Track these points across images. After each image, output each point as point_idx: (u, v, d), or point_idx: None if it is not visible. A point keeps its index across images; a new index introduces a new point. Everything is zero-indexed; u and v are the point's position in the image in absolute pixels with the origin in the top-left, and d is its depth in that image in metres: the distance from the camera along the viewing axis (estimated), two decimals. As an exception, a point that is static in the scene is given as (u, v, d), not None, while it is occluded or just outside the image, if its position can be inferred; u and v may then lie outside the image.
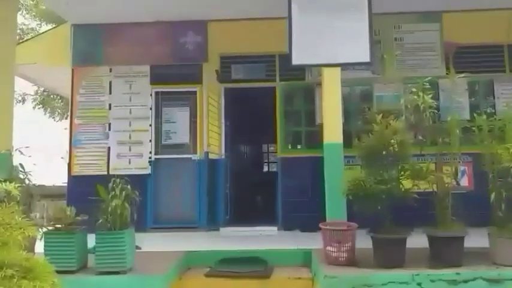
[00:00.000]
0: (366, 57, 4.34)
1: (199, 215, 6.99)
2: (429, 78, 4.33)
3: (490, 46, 7.10)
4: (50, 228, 4.06)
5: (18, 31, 11.85)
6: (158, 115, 7.30)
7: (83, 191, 5.61)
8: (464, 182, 6.44)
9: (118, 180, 3.99)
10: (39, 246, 3.99)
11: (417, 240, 4.03)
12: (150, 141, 7.22)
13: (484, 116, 4.33)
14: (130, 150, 7.20)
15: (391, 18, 7.06)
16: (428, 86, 4.24)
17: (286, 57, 4.40)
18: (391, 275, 3.76)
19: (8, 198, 2.46)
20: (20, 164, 4.54)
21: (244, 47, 7.19)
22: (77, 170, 7.19)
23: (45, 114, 15.64)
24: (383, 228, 4.03)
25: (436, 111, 4.31)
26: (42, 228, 3.96)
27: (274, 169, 9.97)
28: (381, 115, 4.22)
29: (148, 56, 7.31)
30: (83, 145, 7.24)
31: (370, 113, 4.39)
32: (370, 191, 3.98)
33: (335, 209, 4.94)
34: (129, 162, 7.16)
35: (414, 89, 4.27)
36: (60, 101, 15.02)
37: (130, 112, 7.28)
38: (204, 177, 7.06)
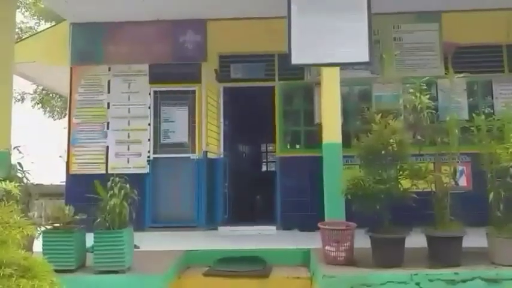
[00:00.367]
0: (365, 57, 4.32)
1: (197, 214, 6.99)
2: (426, 78, 4.33)
3: (489, 46, 7.11)
4: (48, 227, 4.05)
5: (17, 30, 11.82)
6: (157, 114, 7.30)
7: (81, 190, 5.59)
8: (463, 182, 6.45)
9: (117, 179, 3.98)
10: (37, 246, 3.98)
11: (416, 240, 4.03)
12: (149, 140, 7.21)
13: (483, 116, 4.33)
14: (128, 149, 7.20)
15: (390, 18, 7.07)
16: (425, 87, 4.24)
17: (286, 57, 4.39)
18: (390, 274, 3.77)
19: (6, 197, 2.45)
20: (18, 163, 4.53)
21: (243, 46, 7.19)
22: (75, 169, 7.18)
23: (44, 113, 15.62)
24: (382, 228, 4.04)
25: (434, 111, 4.31)
26: (40, 227, 3.95)
27: (273, 168, 9.97)
28: (379, 115, 4.22)
29: (148, 55, 7.30)
30: (81, 144, 7.23)
31: (369, 113, 4.39)
32: (369, 190, 3.98)
33: (334, 208, 4.95)
34: (128, 161, 7.16)
35: (411, 90, 4.27)
36: (59, 100, 15.00)
37: (129, 111, 7.27)
38: (203, 177, 7.06)
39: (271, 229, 6.74)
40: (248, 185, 9.46)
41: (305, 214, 6.38)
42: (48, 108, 15.54)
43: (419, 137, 4.27)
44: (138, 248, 4.63)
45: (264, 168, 11.98)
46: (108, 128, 7.25)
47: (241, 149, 11.40)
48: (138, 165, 7.12)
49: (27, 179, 4.50)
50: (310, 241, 5.07)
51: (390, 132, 4.11)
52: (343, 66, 5.29)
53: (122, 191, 3.94)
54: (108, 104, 7.31)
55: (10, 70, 5.17)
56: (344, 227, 4.42)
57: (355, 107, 7.06)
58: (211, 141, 7.21)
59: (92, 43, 7.37)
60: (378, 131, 4.14)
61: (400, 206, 3.96)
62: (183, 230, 6.63)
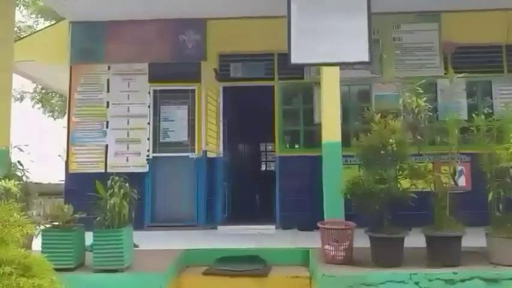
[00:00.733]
0: (365, 57, 4.33)
1: (197, 214, 6.99)
2: (423, 81, 4.33)
3: (488, 46, 7.11)
4: (48, 225, 4.04)
5: (15, 29, 11.81)
6: (156, 113, 7.30)
7: (81, 188, 5.60)
8: (462, 182, 6.46)
9: (116, 178, 3.98)
10: (36, 244, 3.98)
11: (415, 240, 4.03)
12: (148, 139, 7.22)
13: (483, 116, 4.33)
14: (128, 148, 7.19)
15: (390, 18, 7.07)
16: (421, 91, 4.23)
17: (285, 56, 4.40)
18: (389, 274, 3.77)
19: (6, 196, 2.45)
20: (18, 162, 4.52)
21: (243, 45, 7.19)
22: (74, 168, 7.18)
23: (44, 113, 15.61)
24: (381, 228, 4.04)
25: (432, 112, 4.32)
26: (39, 226, 3.95)
27: (272, 168, 9.99)
28: (379, 114, 4.22)
29: (147, 54, 7.30)
30: (80, 143, 7.23)
31: (369, 113, 4.39)
32: (369, 190, 3.97)
33: (333, 208, 4.95)
34: (127, 160, 7.16)
35: (407, 94, 4.27)
36: (59, 99, 15.00)
37: (128, 110, 7.27)
38: (202, 176, 7.07)
39: (270, 228, 6.74)
40: (247, 184, 9.48)
41: (304, 213, 6.39)
42: (48, 108, 15.53)
43: (418, 137, 4.27)
44: (138, 247, 4.63)
45: (263, 168, 11.99)
46: (107, 127, 7.25)
47: (241, 148, 11.41)
48: (138, 164, 7.12)
49: (26, 177, 4.50)
50: (310, 240, 5.07)
51: (390, 132, 4.11)
52: (343, 65, 5.30)
53: (122, 190, 3.93)
54: (108, 102, 7.31)
55: (9, 68, 5.16)
56: (343, 226, 4.43)
57: (355, 106, 7.07)
58: (211, 141, 7.21)
59: (91, 42, 7.36)
60: (378, 130, 4.14)
61: (400, 205, 3.96)
62: (182, 229, 6.63)
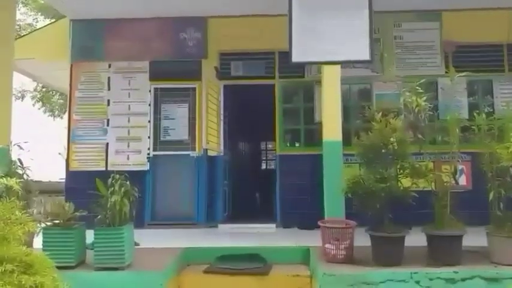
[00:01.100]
0: (366, 55, 4.33)
1: (197, 212, 7.00)
2: (423, 80, 4.32)
3: (489, 45, 7.11)
4: (49, 223, 4.04)
5: (16, 27, 11.79)
6: (157, 111, 7.30)
7: (81, 186, 5.61)
8: (463, 181, 6.46)
9: (117, 176, 3.98)
10: (36, 242, 3.98)
11: (415, 239, 4.03)
12: (149, 137, 7.22)
13: (484, 115, 4.33)
14: (128, 146, 7.19)
15: (391, 17, 7.07)
16: (421, 90, 4.23)
17: (286, 54, 4.39)
18: (390, 272, 3.77)
19: (7, 193, 2.45)
20: (19, 159, 4.52)
21: (243, 43, 7.18)
22: (75, 166, 7.18)
23: (45, 112, 15.61)
24: (382, 227, 4.04)
25: (433, 111, 4.31)
26: (40, 224, 3.94)
27: (272, 166, 9.99)
28: (380, 113, 4.22)
29: (148, 52, 7.30)
30: (81, 141, 7.23)
31: (370, 111, 4.38)
32: (369, 189, 3.97)
33: (334, 206, 4.95)
34: (128, 158, 7.16)
35: (408, 93, 4.26)
36: (59, 97, 15.00)
37: (129, 108, 7.27)
38: (203, 174, 7.07)
39: (271, 227, 6.75)
40: (248, 183, 9.48)
41: (305, 212, 6.38)
42: (48, 106, 15.53)
43: (419, 136, 4.27)
44: (138, 245, 4.63)
45: (263, 166, 11.99)
46: (108, 125, 7.25)
47: (241, 146, 11.42)
48: (138, 162, 7.12)
49: (27, 175, 4.50)
50: (310, 239, 5.07)
51: (391, 130, 4.10)
52: (343, 64, 5.29)
53: (123, 188, 3.93)
54: (108, 101, 7.31)
55: (10, 66, 5.16)
56: (344, 225, 4.43)
57: (356, 105, 7.07)
58: (211, 139, 7.20)
59: (92, 40, 7.36)
60: (379, 129, 4.13)
61: (400, 204, 3.96)
62: (182, 228, 6.63)
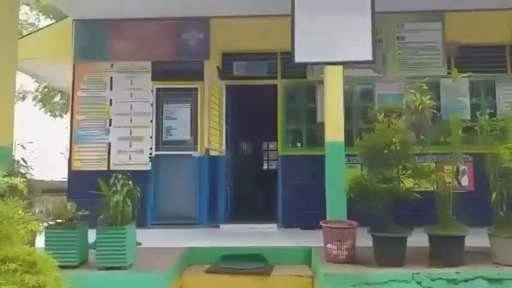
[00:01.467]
0: (368, 56, 4.32)
1: (199, 212, 7.00)
2: (426, 78, 4.32)
3: (492, 46, 7.09)
4: (51, 223, 4.05)
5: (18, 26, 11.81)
6: (159, 111, 7.30)
7: (83, 186, 5.61)
8: (465, 181, 6.45)
9: (119, 175, 3.98)
10: (38, 241, 3.99)
11: (417, 239, 4.03)
12: (151, 137, 7.22)
13: (486, 116, 4.33)
14: (131, 146, 7.20)
15: (393, 17, 7.05)
16: (426, 88, 4.23)
17: (288, 55, 4.40)
18: (392, 273, 3.77)
19: (10, 192, 2.46)
20: (22, 159, 4.53)
21: (246, 44, 7.18)
22: (77, 166, 7.19)
23: (45, 113, 15.64)
24: (384, 227, 4.04)
25: (436, 111, 4.31)
26: (43, 223, 3.95)
27: (274, 167, 9.99)
28: (382, 114, 4.21)
29: (150, 52, 7.30)
30: (83, 140, 7.24)
31: (373, 112, 4.38)
32: (372, 189, 3.97)
33: (335, 207, 4.95)
34: (130, 158, 7.17)
35: (412, 91, 4.27)
36: (60, 97, 15.03)
37: (131, 108, 7.27)
38: (205, 174, 7.07)
39: (272, 227, 6.75)
40: (250, 183, 9.48)
41: (307, 212, 6.37)
42: (48, 107, 15.56)
43: (422, 137, 4.26)
44: (140, 244, 4.64)
45: (265, 167, 11.99)
46: (110, 125, 7.26)
47: (243, 147, 11.41)
48: (140, 162, 7.13)
49: (30, 174, 4.51)
50: (312, 239, 5.07)
51: (393, 131, 4.10)
52: (346, 64, 5.29)
53: (125, 188, 3.93)
54: (111, 100, 7.32)
55: (13, 65, 5.16)
56: (346, 225, 4.43)
57: (358, 105, 7.07)
58: (213, 139, 7.20)
59: (94, 40, 7.37)
60: (381, 130, 4.13)
61: (402, 205, 3.96)
62: (184, 227, 6.64)
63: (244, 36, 7.14)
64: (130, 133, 7.22)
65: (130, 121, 7.25)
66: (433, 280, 3.71)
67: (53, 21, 12.61)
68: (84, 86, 7.36)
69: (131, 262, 4.02)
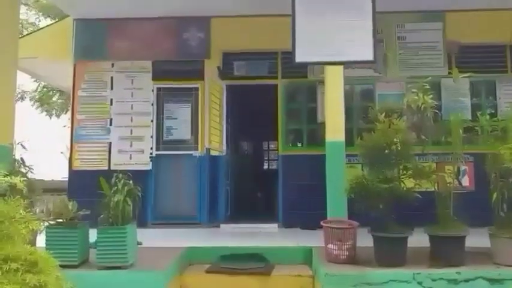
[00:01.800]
0: (369, 56, 4.32)
1: (199, 211, 7.00)
2: (429, 78, 4.32)
3: (492, 46, 7.10)
4: (52, 222, 4.05)
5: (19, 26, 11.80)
6: (160, 111, 7.30)
7: (84, 185, 5.62)
8: (465, 182, 6.45)
9: (120, 175, 3.98)
10: (39, 241, 3.99)
11: (418, 240, 4.03)
12: (152, 137, 7.22)
13: (487, 116, 4.32)
14: (131, 145, 7.20)
15: (394, 17, 7.06)
16: (428, 87, 4.23)
17: (289, 55, 4.40)
18: (392, 273, 3.77)
19: (11, 192, 2.46)
20: (21, 158, 4.53)
21: (246, 43, 7.18)
22: (77, 165, 7.19)
23: (41, 111, 15.64)
24: (384, 227, 4.03)
25: (437, 111, 4.31)
26: (44, 223, 3.95)
27: (274, 167, 9.99)
28: (383, 114, 4.21)
29: (151, 52, 7.30)
30: (84, 140, 7.24)
31: (373, 112, 4.38)
32: (373, 189, 3.97)
33: (336, 207, 4.94)
34: (130, 158, 7.17)
35: (414, 90, 4.26)
36: (58, 97, 15.04)
37: (132, 107, 7.28)
38: (205, 174, 7.07)
39: (273, 227, 6.75)
40: (250, 182, 9.47)
41: (307, 212, 6.37)
42: (45, 107, 15.57)
43: (423, 137, 4.26)
44: (141, 244, 4.64)
45: (266, 166, 11.99)
46: (111, 125, 7.26)
47: (244, 146, 11.41)
48: (141, 161, 7.13)
49: (31, 173, 4.51)
50: (312, 239, 5.07)
51: (394, 131, 4.10)
52: (346, 64, 5.28)
53: (126, 187, 3.93)
54: (111, 100, 7.32)
55: (14, 65, 5.16)
56: (347, 225, 4.43)
57: (358, 105, 7.07)
58: (214, 139, 7.21)
59: (95, 39, 7.37)
60: (382, 130, 4.13)
61: (403, 205, 3.96)
62: (185, 227, 6.64)
63: (245, 35, 7.14)
64: (131, 133, 7.23)
65: (131, 121, 7.25)
66: (433, 280, 3.70)
67: (53, 20, 12.61)
68: (85, 85, 7.36)
69: (132, 262, 4.02)
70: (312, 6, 4.43)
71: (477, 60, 6.95)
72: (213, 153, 7.21)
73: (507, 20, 6.70)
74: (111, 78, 7.36)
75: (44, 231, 3.91)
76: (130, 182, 4.02)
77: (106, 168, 7.04)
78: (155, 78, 7.33)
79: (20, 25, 13.56)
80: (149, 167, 7.13)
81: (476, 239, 4.00)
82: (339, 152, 5.19)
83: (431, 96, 4.21)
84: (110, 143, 7.22)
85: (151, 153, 7.17)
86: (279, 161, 7.50)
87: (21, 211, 1.97)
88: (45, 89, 15.02)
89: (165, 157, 7.18)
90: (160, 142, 7.25)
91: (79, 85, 7.36)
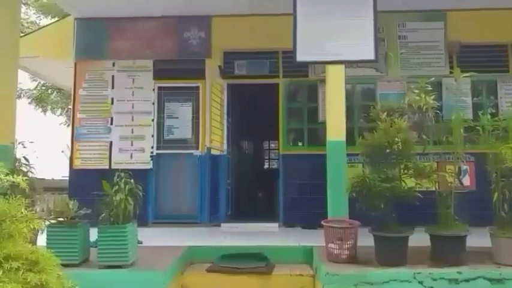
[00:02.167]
0: (370, 55, 4.31)
1: (200, 211, 7.01)
2: (432, 79, 4.32)
3: (493, 45, 7.09)
4: (53, 221, 4.05)
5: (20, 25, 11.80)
6: (161, 110, 7.31)
7: (84, 184, 5.62)
8: (467, 181, 6.45)
9: (122, 174, 3.98)
10: (40, 240, 3.99)
11: (419, 239, 4.02)
12: (152, 136, 7.23)
13: (488, 116, 4.32)
14: (132, 144, 7.21)
15: (395, 16, 7.06)
16: (430, 88, 4.23)
17: (290, 54, 4.39)
18: (393, 273, 3.76)
19: (12, 191, 2.46)
20: (24, 157, 4.53)
21: (247, 42, 7.18)
22: (78, 164, 7.20)
23: (36, 108, 15.65)
24: (385, 227, 4.03)
25: (438, 110, 4.31)
26: (45, 221, 3.95)
27: (275, 166, 9.99)
28: (385, 113, 4.21)
29: (152, 51, 7.31)
30: (85, 139, 7.24)
31: (374, 111, 4.37)
32: (374, 188, 3.97)
33: (337, 206, 4.94)
34: (131, 157, 7.18)
35: (416, 90, 4.26)
36: (56, 94, 15.07)
37: (132, 107, 7.28)
38: (206, 173, 7.07)
39: (273, 226, 6.75)
40: (251, 182, 9.48)
41: (308, 212, 6.37)
42: (42, 105, 15.59)
43: (424, 136, 4.26)
44: (141, 243, 4.64)
45: (266, 166, 12.00)
46: (111, 124, 7.26)
47: (244, 145, 11.42)
48: (142, 160, 7.13)
49: (32, 172, 4.51)
50: (313, 239, 5.07)
51: (396, 130, 4.09)
52: (348, 63, 5.28)
53: (127, 186, 3.93)
54: (112, 99, 7.32)
55: (15, 64, 5.16)
56: (347, 225, 4.42)
57: (359, 105, 7.06)
58: (215, 138, 7.20)
59: (96, 38, 7.38)
60: (384, 129, 4.12)
61: (404, 204, 3.95)
62: (185, 226, 6.64)
63: (246, 35, 7.14)
64: (132, 132, 7.23)
65: (132, 120, 7.25)
66: (434, 280, 3.70)
67: (54, 20, 12.61)
68: (86, 84, 7.37)
69: (133, 261, 4.02)
70: (313, 6, 4.42)
71: (478, 59, 6.94)
72: (214, 152, 7.20)
73: (508, 20, 6.70)
74: (112, 77, 7.37)
75: (45, 230, 3.91)
76: (132, 181, 4.01)
77: (107, 167, 7.05)
78: (156, 77, 7.33)
79: (21, 24, 13.58)
80: (150, 166, 7.13)
81: (477, 239, 4.00)
82: (340, 151, 5.18)
83: (433, 96, 4.20)
84: (111, 142, 7.22)
85: (152, 152, 7.18)
86: (279, 160, 7.51)
87: (22, 210, 1.97)
88: (43, 87, 15.04)
89: (165, 156, 7.19)
90: (161, 141, 7.26)
91: (80, 84, 7.37)
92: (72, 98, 7.53)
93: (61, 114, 15.85)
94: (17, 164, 4.44)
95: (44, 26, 10.18)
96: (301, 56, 4.39)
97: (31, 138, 4.71)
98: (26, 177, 4.13)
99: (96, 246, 3.99)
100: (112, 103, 7.31)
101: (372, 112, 4.43)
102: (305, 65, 6.71)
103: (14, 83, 5.22)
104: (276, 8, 5.86)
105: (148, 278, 3.89)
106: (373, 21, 4.30)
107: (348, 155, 5.34)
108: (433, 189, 4.20)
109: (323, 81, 6.13)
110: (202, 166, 7.09)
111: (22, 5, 14.20)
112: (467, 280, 3.69)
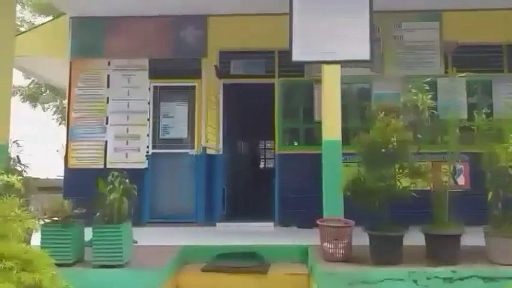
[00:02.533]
0: (366, 55, 4.33)
1: (196, 210, 7.00)
2: (429, 79, 4.33)
3: (489, 46, 7.12)
4: (47, 220, 4.04)
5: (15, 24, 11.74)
6: (156, 109, 7.29)
7: (79, 184, 5.61)
8: (461, 181, 6.48)
9: (116, 173, 3.97)
10: (34, 239, 3.97)
11: (414, 238, 4.04)
12: (148, 135, 7.21)
13: (483, 116, 4.34)
14: (127, 144, 7.18)
15: (391, 16, 7.07)
16: (427, 87, 4.24)
17: (286, 53, 4.40)
18: (388, 272, 3.78)
19: (6, 190, 2.45)
20: (17, 157, 4.51)
21: (243, 42, 7.17)
22: (73, 163, 7.16)
23: (31, 106, 15.61)
24: (380, 226, 4.04)
25: (433, 110, 4.32)
26: (39, 221, 3.93)
27: (271, 165, 9.99)
28: (383, 112, 4.21)
29: (148, 50, 7.29)
30: (80, 138, 7.21)
31: (371, 110, 4.38)
32: (369, 188, 3.98)
33: (332, 205, 4.95)
34: (126, 156, 7.15)
35: (413, 90, 4.27)
36: (48, 93, 15.03)
37: (128, 106, 7.26)
38: (202, 173, 7.06)
39: (269, 225, 6.76)
40: (246, 181, 9.47)
41: (303, 211, 6.38)
42: (35, 102, 15.56)
43: (419, 136, 4.27)
44: (136, 242, 4.63)
45: (262, 165, 12.00)
46: (107, 123, 7.24)
47: (240, 145, 11.41)
48: (137, 160, 7.11)
49: (26, 172, 4.49)
50: (308, 238, 5.07)
51: (391, 130, 4.10)
52: (344, 63, 5.28)
53: (122, 186, 3.92)
54: (108, 98, 7.29)
55: (10, 63, 5.14)
56: (343, 224, 4.43)
57: (355, 104, 7.06)
58: (210, 137, 7.20)
59: (91, 37, 7.34)
60: (379, 128, 4.13)
61: (399, 204, 3.96)
62: (181, 226, 6.63)
63: (242, 34, 7.13)
64: (127, 131, 7.21)
65: (127, 119, 7.23)
66: (428, 279, 3.72)
67: (49, 18, 12.55)
68: (81, 83, 7.33)
69: (127, 260, 4.01)
70: (309, 6, 4.43)
71: (473, 59, 6.96)
72: (210, 151, 7.20)
73: (503, 20, 6.73)
74: (108, 76, 7.34)
75: (39, 230, 3.90)
76: (127, 180, 4.00)
77: (102, 166, 7.03)
78: (152, 76, 7.31)
79: (17, 23, 13.52)
80: (145, 165, 7.12)
81: (472, 238, 4.02)
82: (336, 150, 5.19)
83: (430, 96, 4.21)
84: (106, 142, 7.20)
85: (147, 152, 7.16)
86: (275, 160, 7.50)
87: (16, 210, 1.97)
88: (36, 85, 15.00)
89: (161, 155, 7.17)
90: (156, 140, 7.24)
91: (75, 83, 7.34)
92: (67, 97, 7.50)
93: (55, 112, 15.79)
94: (11, 163, 4.42)
95: (39, 25, 10.12)
96: (297, 56, 4.40)
97: (26, 137, 4.69)
98: (21, 177, 4.13)
99: (91, 246, 3.98)
100: (107, 102, 7.28)
101: (367, 111, 4.44)
102: (301, 65, 6.71)
103: (9, 82, 5.20)
104: (272, 8, 5.85)
105: (143, 278, 3.88)
106: (368, 21, 4.32)
107: (343, 154, 5.34)
108: (428, 188, 4.22)
109: (319, 81, 6.13)
110: (197, 165, 7.08)
111: (17, 4, 14.20)
112: (461, 279, 3.71)
